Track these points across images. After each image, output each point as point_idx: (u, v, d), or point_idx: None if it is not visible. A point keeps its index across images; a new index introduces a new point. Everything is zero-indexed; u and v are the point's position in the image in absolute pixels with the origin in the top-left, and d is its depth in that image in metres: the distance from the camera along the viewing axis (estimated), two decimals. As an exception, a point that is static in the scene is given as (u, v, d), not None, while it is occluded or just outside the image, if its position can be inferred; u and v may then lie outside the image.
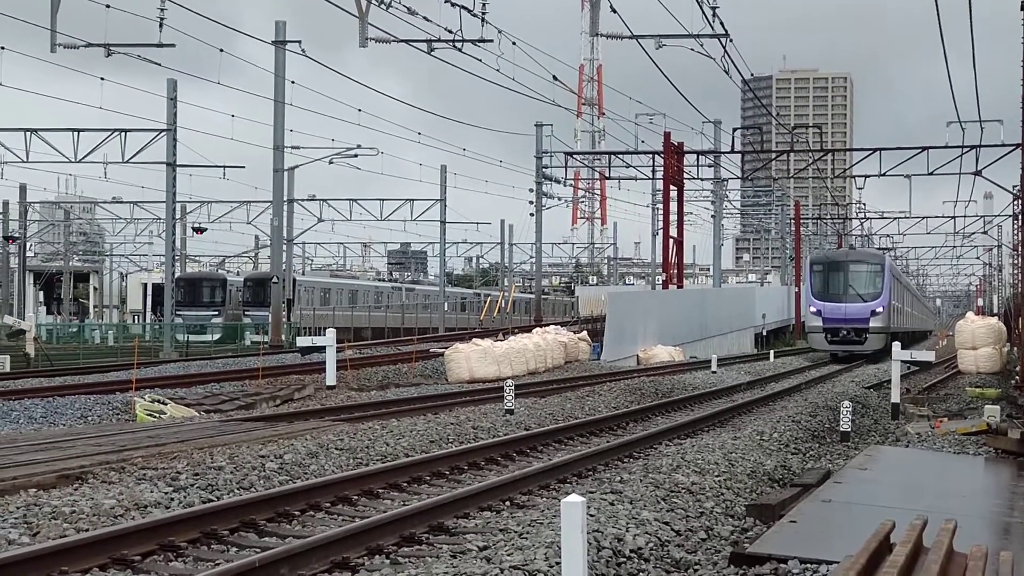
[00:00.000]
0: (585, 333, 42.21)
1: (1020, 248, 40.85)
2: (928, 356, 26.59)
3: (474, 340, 34.18)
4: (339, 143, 51.79)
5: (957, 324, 40.56)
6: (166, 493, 10.97)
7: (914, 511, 8.82)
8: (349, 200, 65.40)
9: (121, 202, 73.54)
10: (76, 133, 45.88)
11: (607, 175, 55.66)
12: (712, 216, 71.54)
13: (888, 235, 77.15)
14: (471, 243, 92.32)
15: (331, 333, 26.81)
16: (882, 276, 46.22)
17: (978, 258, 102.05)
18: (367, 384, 29.22)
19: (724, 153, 55.19)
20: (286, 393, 25.35)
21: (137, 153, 46.39)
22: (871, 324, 45.16)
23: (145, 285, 74.02)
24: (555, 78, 37.63)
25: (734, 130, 50.63)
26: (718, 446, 14.74)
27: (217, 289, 64.42)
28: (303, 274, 77.03)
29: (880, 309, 45.48)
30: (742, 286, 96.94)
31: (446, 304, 75.14)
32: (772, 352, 46.74)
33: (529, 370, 33.05)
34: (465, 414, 19.09)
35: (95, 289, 78.03)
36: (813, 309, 46.19)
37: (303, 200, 63.63)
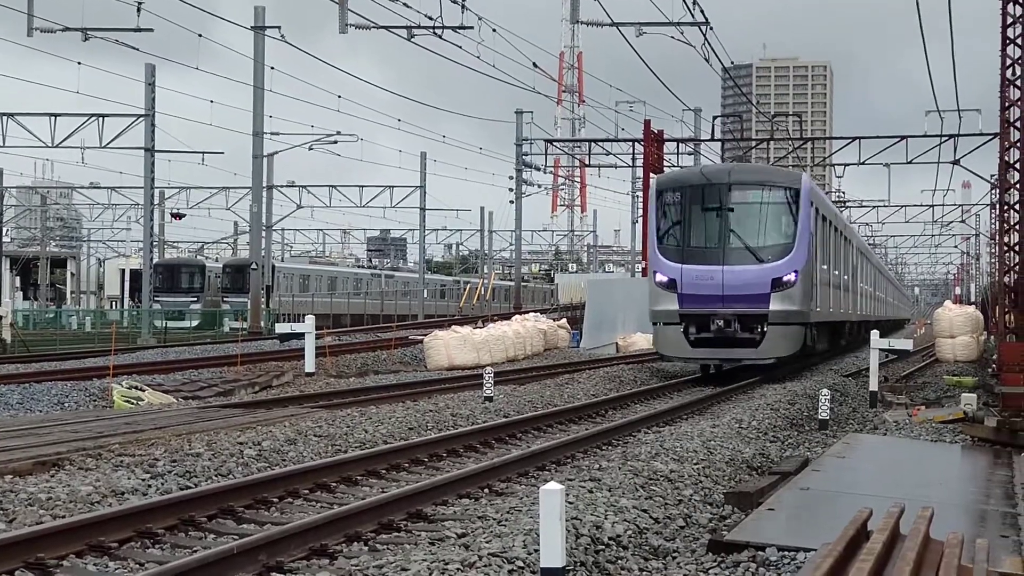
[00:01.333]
0: (564, 321, 42.30)
1: (998, 237, 41.00)
2: (906, 344, 26.74)
3: (453, 327, 34.17)
4: (318, 129, 51.75)
5: (935, 312, 40.74)
6: (143, 480, 10.92)
7: (891, 499, 8.85)
8: (328, 187, 65.32)
9: (99, 187, 73.19)
10: (53, 118, 45.56)
11: (587, 163, 55.67)
12: (692, 204, 71.54)
13: (867, 223, 77.35)
14: (451, 230, 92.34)
15: (310, 320, 26.77)
16: (795, 213, 24.70)
17: (956, 247, 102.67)
18: (346, 371, 29.20)
19: (704, 141, 55.20)
20: (265, 380, 25.28)
21: (115, 138, 46.12)
22: (772, 306, 24.24)
23: (123, 271, 73.74)
24: (535, 65, 37.59)
25: (714, 118, 50.55)
26: (697, 434, 14.77)
27: (196, 275, 64.26)
28: (282, 260, 76.82)
29: (791, 277, 24.41)
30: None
31: (425, 291, 75.05)
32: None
33: (508, 357, 33.08)
34: (444, 401, 19.08)
35: (72, 275, 77.62)
36: (662, 278, 24.91)
37: (282, 186, 63.49)
